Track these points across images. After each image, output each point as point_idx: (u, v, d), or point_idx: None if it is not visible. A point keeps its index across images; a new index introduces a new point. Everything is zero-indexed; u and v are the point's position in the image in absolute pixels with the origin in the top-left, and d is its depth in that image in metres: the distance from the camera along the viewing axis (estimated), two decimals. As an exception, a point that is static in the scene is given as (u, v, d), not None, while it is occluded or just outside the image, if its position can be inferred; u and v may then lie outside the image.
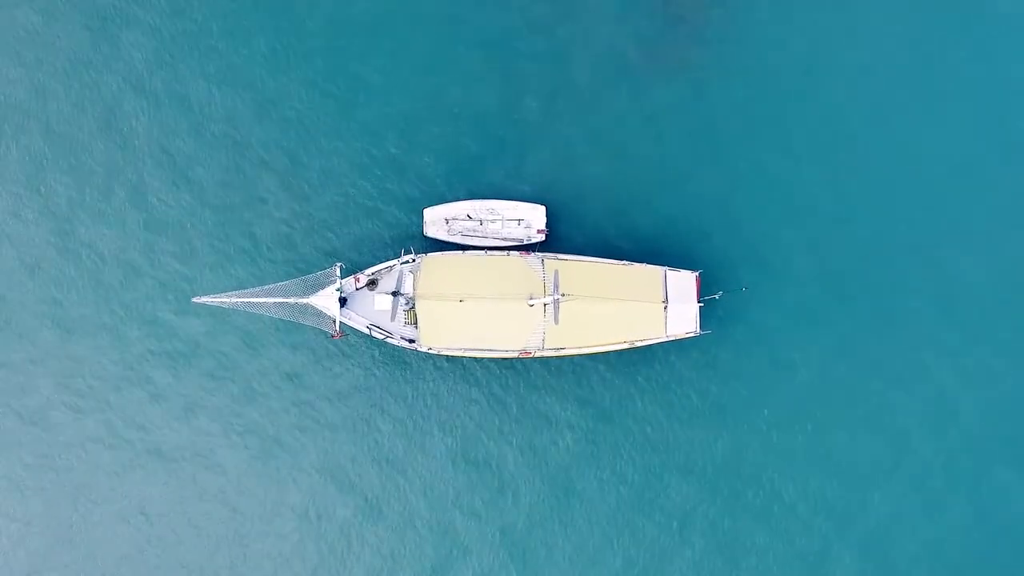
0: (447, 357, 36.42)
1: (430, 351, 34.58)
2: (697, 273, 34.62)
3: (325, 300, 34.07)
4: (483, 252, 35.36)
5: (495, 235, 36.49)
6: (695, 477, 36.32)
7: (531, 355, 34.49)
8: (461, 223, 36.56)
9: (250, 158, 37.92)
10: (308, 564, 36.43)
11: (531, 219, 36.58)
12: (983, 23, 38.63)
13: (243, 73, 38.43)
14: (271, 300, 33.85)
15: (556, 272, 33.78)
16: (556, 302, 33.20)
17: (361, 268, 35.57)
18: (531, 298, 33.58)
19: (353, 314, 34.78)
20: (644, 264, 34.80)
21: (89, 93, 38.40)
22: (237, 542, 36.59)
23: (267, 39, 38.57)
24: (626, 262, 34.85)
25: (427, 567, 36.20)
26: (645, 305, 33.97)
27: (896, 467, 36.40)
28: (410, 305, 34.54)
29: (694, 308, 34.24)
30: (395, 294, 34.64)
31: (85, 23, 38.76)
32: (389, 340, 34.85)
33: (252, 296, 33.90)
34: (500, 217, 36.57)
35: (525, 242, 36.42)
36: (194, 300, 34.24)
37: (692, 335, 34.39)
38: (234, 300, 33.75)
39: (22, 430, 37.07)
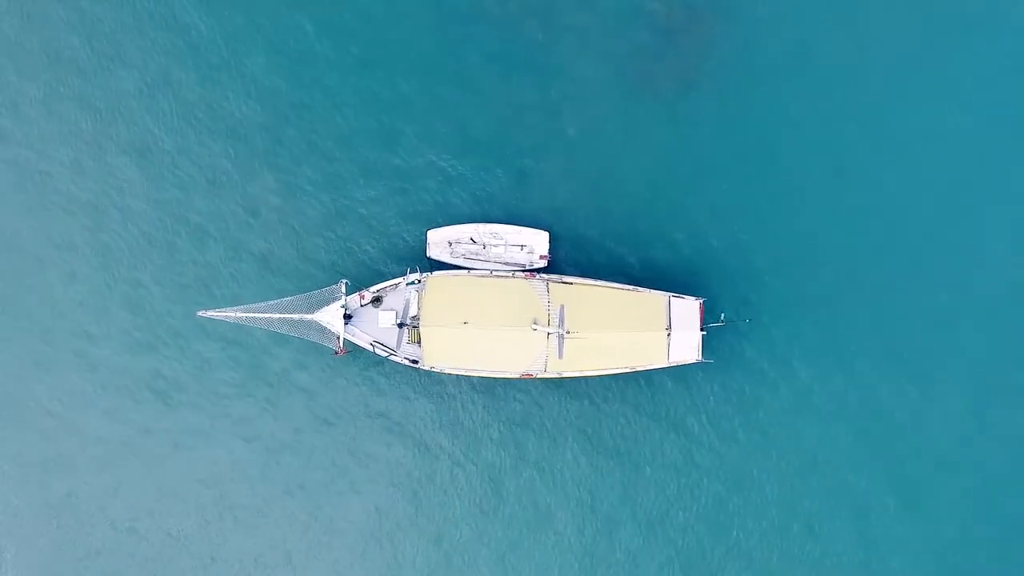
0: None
1: (432, 370, 34.63)
2: (701, 300, 34.82)
3: (330, 316, 34.12)
4: (488, 272, 35.51)
5: (497, 259, 36.64)
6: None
7: (533, 377, 34.62)
8: (464, 246, 36.75)
9: (261, 176, 37.93)
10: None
11: (534, 244, 36.77)
12: (996, 55, 37.57)
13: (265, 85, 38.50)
14: (276, 316, 33.89)
15: (562, 307, 34.03)
16: (561, 338, 33.49)
17: (366, 285, 35.60)
18: (535, 323, 33.76)
19: (357, 331, 34.82)
20: (648, 290, 34.98)
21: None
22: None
23: (288, 63, 38.59)
24: (630, 287, 35.03)
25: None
26: (648, 332, 34.18)
27: (917, 504, 36.50)
28: (414, 324, 34.66)
29: (697, 336, 34.41)
30: (401, 325, 34.88)
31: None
32: (392, 358, 34.87)
33: (257, 311, 33.97)
34: (503, 242, 36.76)
35: (527, 267, 36.62)
36: (199, 314, 34.26)
37: (694, 363, 34.55)
38: (239, 315, 33.78)
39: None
